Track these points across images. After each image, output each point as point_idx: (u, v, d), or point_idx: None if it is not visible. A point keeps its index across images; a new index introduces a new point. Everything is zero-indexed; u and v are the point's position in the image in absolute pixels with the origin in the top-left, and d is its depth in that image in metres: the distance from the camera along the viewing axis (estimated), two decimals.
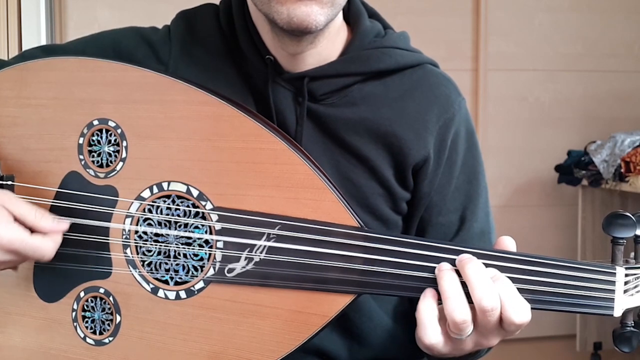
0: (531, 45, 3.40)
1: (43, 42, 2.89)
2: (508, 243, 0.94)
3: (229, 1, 1.17)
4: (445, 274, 0.88)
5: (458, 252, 0.90)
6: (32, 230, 0.97)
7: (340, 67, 1.12)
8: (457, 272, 0.89)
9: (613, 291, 0.88)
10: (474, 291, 0.86)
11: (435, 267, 0.90)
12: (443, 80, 1.19)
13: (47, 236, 0.98)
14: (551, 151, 3.38)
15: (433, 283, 0.89)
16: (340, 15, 1.14)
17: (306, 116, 1.11)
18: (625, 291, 0.88)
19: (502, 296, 0.86)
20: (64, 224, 1.00)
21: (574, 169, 3.21)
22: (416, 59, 1.17)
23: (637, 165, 2.89)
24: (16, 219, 0.96)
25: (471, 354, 0.96)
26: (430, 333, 0.88)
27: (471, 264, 0.87)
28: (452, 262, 0.89)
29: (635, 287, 0.89)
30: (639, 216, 0.88)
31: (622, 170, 2.95)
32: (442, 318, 0.89)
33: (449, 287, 0.87)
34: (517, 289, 0.88)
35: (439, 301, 0.89)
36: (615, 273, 0.88)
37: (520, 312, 0.86)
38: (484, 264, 0.88)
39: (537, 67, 3.41)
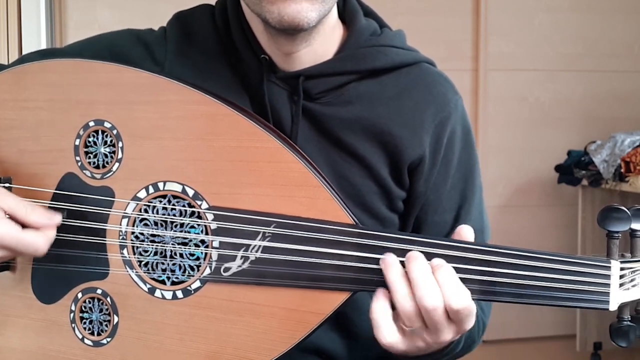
0: (531, 45, 3.40)
1: (43, 42, 2.90)
2: (466, 231, 0.94)
3: (224, 1, 1.17)
4: (390, 268, 0.89)
5: (452, 248, 0.90)
6: (24, 225, 0.97)
7: (336, 65, 1.12)
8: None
9: (608, 285, 0.87)
10: (415, 291, 0.87)
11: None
12: (439, 78, 1.18)
13: (40, 231, 0.97)
14: (551, 151, 3.38)
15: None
16: (335, 13, 1.15)
17: (302, 115, 1.11)
18: (620, 285, 0.88)
19: (442, 287, 0.87)
20: (55, 217, 0.99)
21: (574, 169, 3.21)
22: (412, 57, 1.17)
23: (637, 165, 2.89)
24: (7, 214, 0.96)
25: (440, 351, 0.96)
26: (386, 332, 0.89)
27: (414, 263, 0.88)
28: (446, 259, 0.89)
29: (631, 281, 0.88)
30: (635, 210, 0.88)
31: (622, 170, 2.95)
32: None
33: (394, 280, 0.88)
34: (513, 283, 0.88)
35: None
36: (610, 267, 0.88)
37: (459, 299, 0.86)
38: (477, 259, 0.89)
39: (537, 67, 3.41)
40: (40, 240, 0.97)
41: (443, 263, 0.89)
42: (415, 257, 0.89)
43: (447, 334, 0.90)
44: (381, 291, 0.90)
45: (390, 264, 0.89)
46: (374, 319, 0.90)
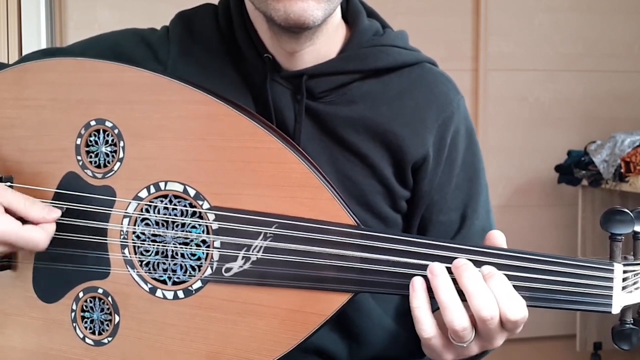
0: (531, 45, 3.40)
1: (43, 42, 2.89)
2: (498, 236, 0.93)
3: (227, 1, 1.17)
4: (440, 281, 0.87)
5: (455, 250, 0.89)
6: (24, 220, 0.96)
7: (339, 65, 1.12)
8: (449, 270, 0.88)
9: (611, 288, 0.87)
10: (471, 301, 0.85)
11: None
12: (441, 78, 1.19)
13: (40, 225, 0.97)
14: (551, 151, 3.38)
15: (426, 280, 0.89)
16: (339, 13, 1.14)
17: (305, 114, 1.11)
18: (623, 288, 0.87)
19: (497, 296, 0.86)
20: (55, 211, 0.99)
21: (574, 169, 3.21)
22: (414, 57, 1.17)
23: (637, 165, 2.89)
24: (7, 210, 0.96)
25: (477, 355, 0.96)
26: (426, 327, 0.88)
27: (467, 273, 0.86)
28: (449, 261, 0.89)
29: (634, 283, 0.88)
30: (638, 212, 0.87)
31: (622, 170, 2.95)
32: (439, 322, 0.89)
33: (446, 297, 0.87)
34: (514, 286, 0.87)
35: (429, 291, 0.89)
36: (613, 270, 0.87)
37: (516, 310, 0.86)
38: (481, 262, 0.88)
39: (537, 67, 3.41)
40: (40, 235, 0.97)
41: (495, 271, 0.88)
42: (466, 267, 0.87)
43: (498, 341, 0.90)
44: (418, 282, 0.89)
45: (438, 274, 0.88)
46: (414, 314, 0.88)
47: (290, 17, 1.00)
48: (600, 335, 3.29)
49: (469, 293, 0.86)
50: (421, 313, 0.88)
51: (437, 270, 0.88)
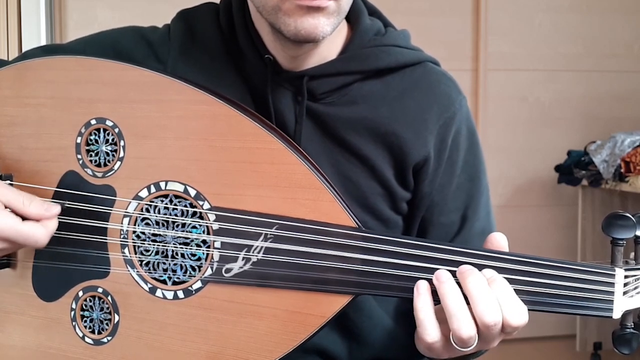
0: (531, 45, 3.40)
1: (43, 42, 2.89)
2: (499, 239, 0.93)
3: (229, 0, 1.17)
4: (447, 288, 0.87)
5: (456, 253, 0.89)
6: (24, 218, 0.96)
7: (340, 65, 1.11)
8: (453, 274, 0.88)
9: (612, 293, 0.87)
10: (475, 307, 0.85)
11: (433, 268, 0.89)
12: (443, 78, 1.18)
13: (40, 222, 0.97)
14: (551, 151, 3.38)
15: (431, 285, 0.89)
16: None
17: (305, 115, 1.10)
18: (624, 292, 0.87)
19: (500, 301, 0.85)
20: (54, 207, 0.98)
21: (574, 169, 3.21)
22: (416, 57, 1.16)
23: (637, 165, 2.89)
24: (6, 207, 0.95)
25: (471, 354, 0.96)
26: (430, 332, 0.88)
27: (472, 278, 0.86)
28: (450, 264, 0.89)
29: (635, 288, 0.88)
30: (639, 217, 0.87)
31: (622, 170, 2.95)
32: (441, 319, 0.88)
33: (453, 305, 0.86)
34: (515, 290, 0.87)
35: (434, 295, 0.88)
36: (614, 274, 0.87)
37: (518, 315, 0.86)
38: (482, 265, 0.88)
39: (537, 67, 3.41)
40: (40, 232, 0.96)
41: (496, 275, 0.88)
42: (472, 272, 0.87)
43: (496, 343, 0.90)
44: (423, 286, 0.89)
45: (444, 281, 0.88)
46: (418, 318, 0.88)
47: (300, 33, 1.00)
48: (600, 336, 3.29)
49: (473, 299, 0.85)
50: (425, 317, 0.88)
51: (443, 277, 0.88)
